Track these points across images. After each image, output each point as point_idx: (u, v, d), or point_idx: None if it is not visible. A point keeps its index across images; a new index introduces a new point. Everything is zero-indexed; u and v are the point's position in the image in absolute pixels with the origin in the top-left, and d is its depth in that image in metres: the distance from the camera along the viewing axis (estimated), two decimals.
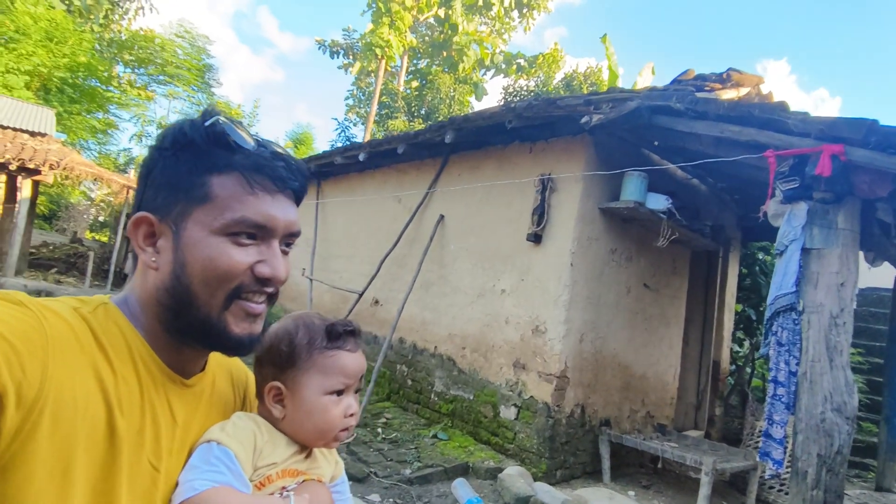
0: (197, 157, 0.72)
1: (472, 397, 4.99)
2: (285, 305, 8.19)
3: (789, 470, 3.42)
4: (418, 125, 17.98)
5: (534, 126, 4.71)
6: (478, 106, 20.01)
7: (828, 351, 3.07)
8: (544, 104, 4.34)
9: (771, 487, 4.56)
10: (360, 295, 6.25)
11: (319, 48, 20.67)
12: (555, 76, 19.59)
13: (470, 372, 5.08)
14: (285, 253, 0.77)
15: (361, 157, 6.52)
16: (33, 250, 13.26)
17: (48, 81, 16.61)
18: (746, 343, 6.68)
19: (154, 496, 0.68)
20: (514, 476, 3.96)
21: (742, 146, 3.47)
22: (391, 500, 3.67)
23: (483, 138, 5.29)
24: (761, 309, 6.57)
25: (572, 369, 4.46)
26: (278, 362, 0.85)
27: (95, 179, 12.24)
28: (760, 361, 6.29)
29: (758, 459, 3.62)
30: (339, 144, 19.77)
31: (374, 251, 6.45)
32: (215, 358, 0.85)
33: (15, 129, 11.26)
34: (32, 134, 11.44)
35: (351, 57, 20.66)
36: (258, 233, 0.72)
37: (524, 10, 21.21)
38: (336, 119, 29.23)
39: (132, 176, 16.34)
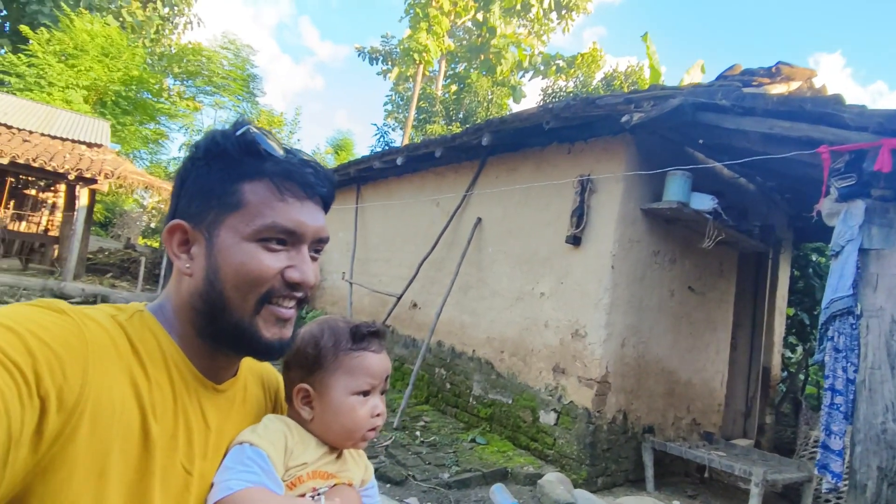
0: (229, 166, 0.74)
1: (510, 401, 4.95)
2: (326, 309, 8.34)
3: (847, 483, 3.24)
4: (456, 129, 18.03)
5: (572, 126, 4.64)
6: (516, 108, 19.91)
7: (889, 357, 2.89)
8: (583, 104, 4.27)
9: (827, 501, 4.33)
10: (399, 298, 6.29)
11: (359, 55, 21.05)
12: (594, 76, 19.30)
13: (508, 376, 5.03)
14: (314, 258, 0.79)
15: (399, 161, 6.58)
16: (90, 256, 13.98)
17: (104, 95, 17.50)
18: (799, 348, 6.38)
19: (187, 499, 0.69)
20: (554, 482, 3.89)
21: (793, 142, 3.32)
22: (429, 503, 3.66)
23: (520, 140, 5.25)
24: (815, 313, 6.27)
25: (614, 374, 4.35)
26: (305, 365, 0.87)
27: (147, 188, 12.81)
28: (815, 368, 6.00)
29: (815, 472, 3.44)
30: (378, 149, 20.05)
31: (412, 254, 6.49)
32: (247, 363, 0.87)
33: (74, 141, 11.92)
34: (89, 145, 12.09)
35: (389, 63, 20.94)
36: (288, 238, 0.74)
37: (563, 12, 21.00)
38: (375, 124, 29.66)
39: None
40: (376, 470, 3.91)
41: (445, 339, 5.85)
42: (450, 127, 18.79)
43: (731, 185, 5.12)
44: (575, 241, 4.58)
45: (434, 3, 18.46)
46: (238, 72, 22.79)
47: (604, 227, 4.43)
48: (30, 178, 13.60)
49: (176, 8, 22.61)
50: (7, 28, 18.19)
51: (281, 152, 0.76)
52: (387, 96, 23.33)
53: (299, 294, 0.76)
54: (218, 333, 0.74)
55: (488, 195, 5.64)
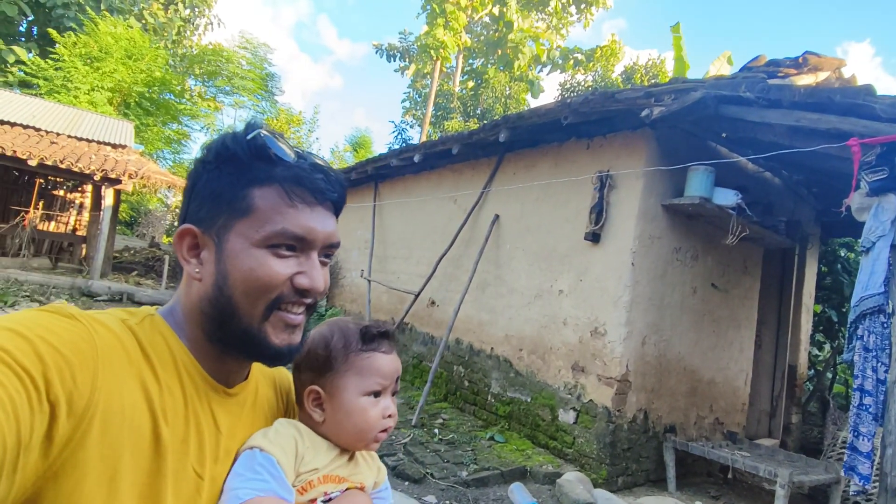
0: (239, 170, 0.73)
1: (529, 400, 4.91)
2: (345, 306, 8.39)
3: (877, 485, 3.14)
4: (473, 125, 17.97)
5: (591, 122, 4.57)
6: (534, 104, 19.76)
7: None
8: (602, 98, 4.20)
9: (856, 503, 4.21)
10: (417, 296, 6.30)
11: (377, 52, 21.08)
12: (613, 70, 19.04)
13: (527, 374, 5.00)
14: (324, 264, 0.78)
15: (416, 158, 6.57)
16: (116, 254, 14.29)
17: (127, 96, 17.84)
18: (827, 346, 6.21)
19: (198, 502, 0.69)
20: (573, 482, 3.85)
21: (821, 135, 3.22)
22: (447, 501, 3.66)
23: (538, 136, 5.20)
24: (844, 310, 6.09)
25: (634, 373, 4.29)
26: (316, 367, 0.87)
27: (170, 187, 13.03)
28: (843, 366, 5.84)
29: (842, 474, 3.34)
30: (396, 147, 20.10)
31: (430, 252, 6.48)
32: (259, 366, 0.86)
33: (99, 143, 12.19)
34: (114, 146, 12.34)
35: (407, 59, 20.93)
36: (298, 244, 0.73)
37: (582, 6, 20.75)
38: (393, 122, 29.75)
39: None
40: (394, 467, 3.92)
41: (464, 337, 5.84)
42: (467, 123, 18.73)
43: (755, 180, 5.00)
44: (594, 237, 4.52)
45: None
46: (256, 71, 23.04)
47: (624, 223, 4.36)
48: (58, 179, 13.95)
49: (197, 9, 22.92)
50: (35, 32, 18.65)
51: (292, 156, 0.75)
52: (404, 93, 23.36)
53: (308, 300, 0.75)
54: (227, 338, 0.74)
55: (506, 192, 5.60)
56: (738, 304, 5.16)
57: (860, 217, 3.17)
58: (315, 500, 0.79)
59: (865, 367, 3.01)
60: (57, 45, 16.06)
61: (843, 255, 6.33)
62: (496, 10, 19.68)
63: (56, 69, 15.94)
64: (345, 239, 8.84)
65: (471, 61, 22.66)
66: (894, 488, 2.79)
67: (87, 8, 16.93)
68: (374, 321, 0.93)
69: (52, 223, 14.56)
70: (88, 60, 16.37)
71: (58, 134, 11.63)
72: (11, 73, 16.29)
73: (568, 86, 18.67)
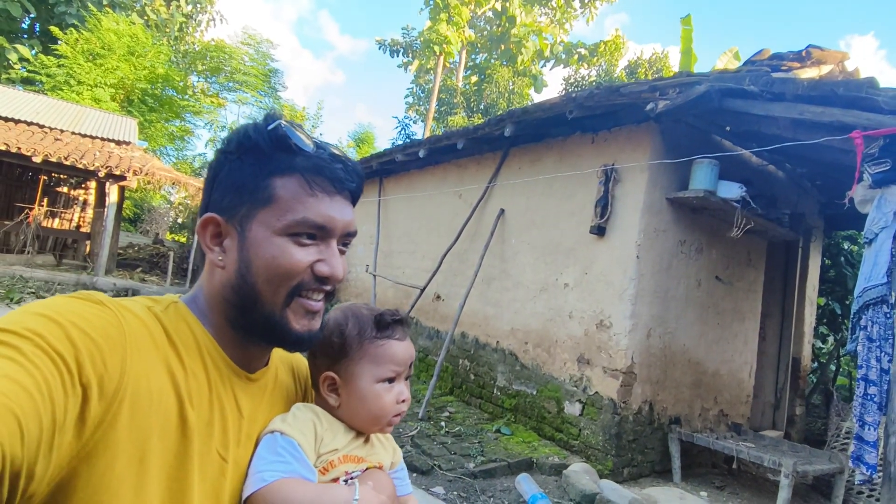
0: (260, 160, 0.75)
1: (535, 392, 4.96)
2: (350, 301, 8.43)
3: (880, 475, 3.18)
4: (478, 120, 17.95)
5: (595, 116, 4.60)
6: (537, 99, 19.73)
7: None
8: (606, 92, 4.23)
9: (860, 493, 4.25)
10: (422, 290, 6.34)
11: (379, 47, 21.05)
12: (617, 64, 18.99)
13: (533, 367, 5.04)
14: (342, 252, 0.80)
15: (421, 153, 6.60)
16: (120, 251, 14.36)
17: (131, 93, 17.86)
18: (830, 338, 6.23)
19: (223, 484, 0.71)
20: (580, 473, 3.90)
21: (824, 128, 3.24)
22: (455, 492, 3.71)
23: (543, 130, 5.22)
24: (847, 302, 6.11)
25: (639, 365, 4.33)
26: (331, 353, 0.88)
27: (174, 183, 13.09)
28: (846, 358, 5.86)
29: (849, 464, 3.38)
30: (400, 142, 20.09)
31: (435, 246, 6.52)
32: (277, 353, 0.89)
33: (103, 139, 12.23)
34: (118, 143, 12.38)
35: (410, 55, 20.90)
36: (318, 233, 0.75)
37: (586, 0, 20.67)
38: (396, 117, 29.70)
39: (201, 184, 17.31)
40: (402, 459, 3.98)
41: (469, 331, 5.88)
42: (471, 118, 18.72)
43: (759, 173, 5.02)
44: (599, 231, 4.55)
45: None
46: (259, 67, 23.03)
47: (629, 216, 4.39)
48: (62, 176, 14.00)
49: (199, 5, 22.90)
50: (37, 29, 18.67)
51: (311, 146, 0.77)
52: (408, 89, 23.34)
53: (328, 287, 0.78)
54: (250, 325, 0.76)
55: (511, 186, 5.63)
56: (743, 297, 5.19)
57: (863, 209, 3.19)
58: (337, 479, 0.81)
59: (869, 357, 3.04)
60: (60, 42, 16.09)
61: (846, 247, 6.35)
62: (499, 6, 19.63)
63: (59, 66, 15.97)
64: None
65: (474, 56, 22.62)
66: None
67: (90, 4, 16.92)
68: (387, 308, 0.94)
69: (57, 220, 14.62)
70: (91, 57, 16.39)
71: (62, 131, 11.67)
72: (14, 70, 16.32)
73: (572, 81, 18.64)
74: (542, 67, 20.76)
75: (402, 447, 4.17)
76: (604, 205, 4.52)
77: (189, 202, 18.43)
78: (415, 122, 22.50)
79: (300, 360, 0.99)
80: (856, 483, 3.79)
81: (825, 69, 4.36)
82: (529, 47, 19.21)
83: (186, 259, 13.84)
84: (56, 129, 11.62)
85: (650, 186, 4.33)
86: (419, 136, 20.17)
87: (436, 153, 6.61)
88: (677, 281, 4.59)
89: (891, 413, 2.93)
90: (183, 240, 19.81)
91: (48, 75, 15.92)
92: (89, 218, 14.17)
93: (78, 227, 14.89)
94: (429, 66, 21.06)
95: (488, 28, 21.29)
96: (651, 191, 4.34)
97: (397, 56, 21.20)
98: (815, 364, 6.07)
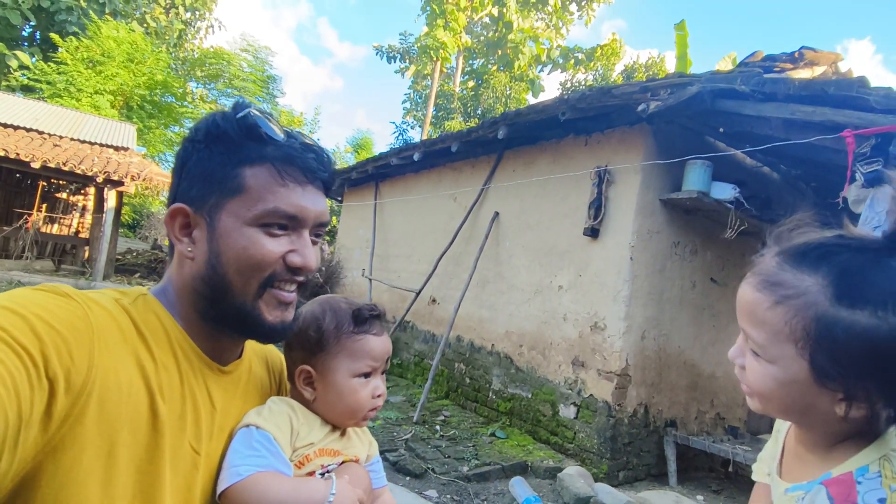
0: (230, 150, 0.74)
1: (530, 395, 4.93)
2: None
3: None
4: (474, 125, 18.01)
5: (588, 118, 4.59)
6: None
7: None
8: (598, 94, 4.22)
9: None
10: (418, 294, 6.32)
11: (377, 53, 21.13)
12: (614, 69, 19.06)
13: (528, 370, 5.02)
14: (315, 243, 0.79)
15: (416, 156, 6.60)
16: (119, 257, 14.35)
17: (130, 99, 17.95)
18: None
19: (195, 478, 0.70)
20: (574, 476, 3.87)
21: (816, 127, 3.23)
22: (448, 496, 3.68)
23: (537, 133, 5.22)
24: None
25: (634, 367, 4.30)
26: (307, 347, 0.87)
27: None
28: None
29: None
30: (395, 147, 20.14)
31: (430, 250, 6.51)
32: (251, 345, 0.88)
33: (101, 145, 12.26)
34: (116, 148, 12.41)
35: (407, 61, 20.98)
36: (289, 223, 0.74)
37: (583, 3, 20.76)
38: (394, 123, 29.77)
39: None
40: (395, 463, 3.94)
41: (464, 334, 5.86)
42: (468, 123, 18.77)
43: (753, 174, 5.01)
44: (593, 233, 4.53)
45: (450, 0, 18.44)
46: (257, 73, 23.13)
47: (622, 218, 4.38)
48: (60, 182, 14.02)
49: (197, 13, 23.03)
50: (37, 37, 18.76)
51: (282, 136, 0.75)
52: (405, 94, 23.40)
53: (300, 278, 0.77)
54: (221, 316, 0.75)
55: (505, 189, 5.63)
56: None
57: (856, 209, 3.18)
58: (313, 472, 0.81)
59: None
60: (60, 50, 16.17)
61: None
62: (495, 11, 19.72)
63: (59, 73, 16.04)
64: (346, 238, 8.87)
65: (471, 62, 22.70)
66: None
67: (91, 12, 17.02)
68: (365, 303, 0.93)
69: (55, 226, 14.62)
70: (91, 64, 16.47)
71: (61, 137, 11.71)
72: (14, 77, 16.39)
73: (568, 85, 18.73)
74: (539, 72, 20.84)
75: (395, 451, 4.16)
76: (597, 206, 4.51)
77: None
78: (412, 128, 22.58)
79: (274, 352, 0.98)
80: None
81: (818, 70, 4.35)
82: (526, 52, 19.28)
83: None
84: (55, 135, 11.65)
85: (643, 188, 4.32)
86: (415, 141, 20.24)
87: (431, 156, 6.61)
88: (671, 282, 4.57)
89: None
90: None
91: (48, 83, 16.00)
92: (88, 223, 14.17)
93: (77, 232, 14.89)
94: (426, 72, 21.14)
95: (485, 34, 21.38)
96: (644, 192, 4.33)
97: (395, 62, 21.28)
98: None
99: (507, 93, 19.15)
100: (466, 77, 22.56)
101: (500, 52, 20.23)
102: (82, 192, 14.93)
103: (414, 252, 7.02)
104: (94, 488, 0.58)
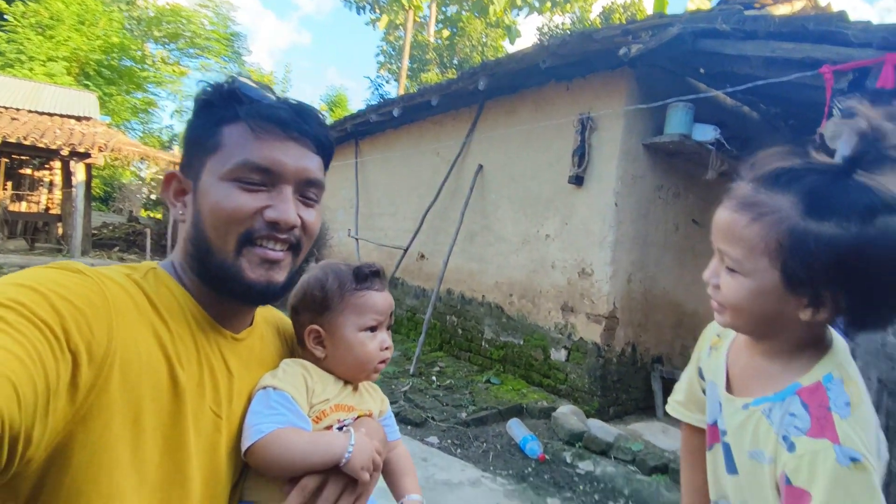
0: (211, 113, 0.76)
1: (521, 342, 5.09)
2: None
3: None
4: (451, 76, 17.60)
5: (569, 64, 4.54)
6: (512, 50, 19.34)
7: None
8: (579, 39, 4.17)
9: None
10: (406, 250, 6.36)
11: (345, 4, 20.28)
12: (591, 10, 18.64)
13: (518, 318, 5.15)
14: (308, 204, 0.79)
15: (396, 112, 6.49)
16: (95, 231, 14.03)
17: (85, 65, 17.10)
18: None
19: (218, 440, 0.73)
20: (568, 414, 4.06)
21: (796, 65, 3.26)
22: (449, 441, 3.84)
23: (517, 82, 5.16)
24: None
25: (621, 310, 4.45)
26: (314, 308, 0.92)
27: (143, 158, 12.72)
28: None
29: None
30: (374, 104, 19.67)
31: (416, 206, 6.50)
32: (262, 314, 0.90)
33: (62, 116, 11.76)
34: (78, 119, 11.92)
35: (378, 11, 20.20)
36: (265, 178, 0.73)
37: None
38: (368, 78, 28.93)
39: (176, 152, 16.87)
40: (396, 414, 4.08)
41: (455, 287, 5.95)
42: (445, 74, 18.36)
43: (733, 115, 5.05)
44: (577, 180, 4.58)
45: None
46: (220, 31, 22.11)
47: (606, 164, 4.42)
48: (23, 158, 13.50)
49: None
50: None
51: (262, 95, 0.76)
52: (378, 47, 22.72)
53: (283, 235, 0.75)
54: (206, 275, 0.76)
55: (488, 140, 5.60)
56: None
57: (833, 145, 3.24)
58: (330, 426, 0.85)
59: None
60: (6, 17, 15.20)
61: None
62: None
63: (8, 42, 15.14)
64: (329, 199, 8.78)
65: (444, 9, 21.95)
66: None
67: None
68: (364, 262, 0.98)
69: (24, 203, 14.18)
70: (41, 29, 15.56)
71: (17, 109, 11.20)
72: None
73: (545, 29, 18.30)
74: (515, 17, 20.28)
75: (394, 402, 4.29)
76: (581, 154, 4.54)
77: (161, 177, 17.95)
78: (388, 82, 22.03)
79: (285, 320, 1.01)
80: None
81: (798, 5, 4.35)
82: None
83: (165, 235, 13.58)
84: (11, 108, 11.14)
85: (626, 133, 4.35)
86: (394, 96, 19.76)
87: (411, 111, 6.50)
88: (655, 226, 4.68)
89: (857, 337, 3.08)
90: (159, 216, 19.38)
91: None
92: (58, 199, 13.77)
93: (47, 209, 14.47)
94: (398, 22, 20.42)
95: None
96: (627, 138, 4.36)
97: (365, 12, 20.48)
98: None
99: (484, 41, 18.67)
100: (441, 26, 21.87)
101: None
102: (47, 166, 14.42)
103: (399, 209, 7.00)
104: (124, 453, 0.60)
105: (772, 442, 0.75)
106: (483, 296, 5.59)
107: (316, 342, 0.92)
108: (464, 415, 4.21)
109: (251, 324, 0.86)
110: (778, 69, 3.42)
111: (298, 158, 0.75)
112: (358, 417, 0.90)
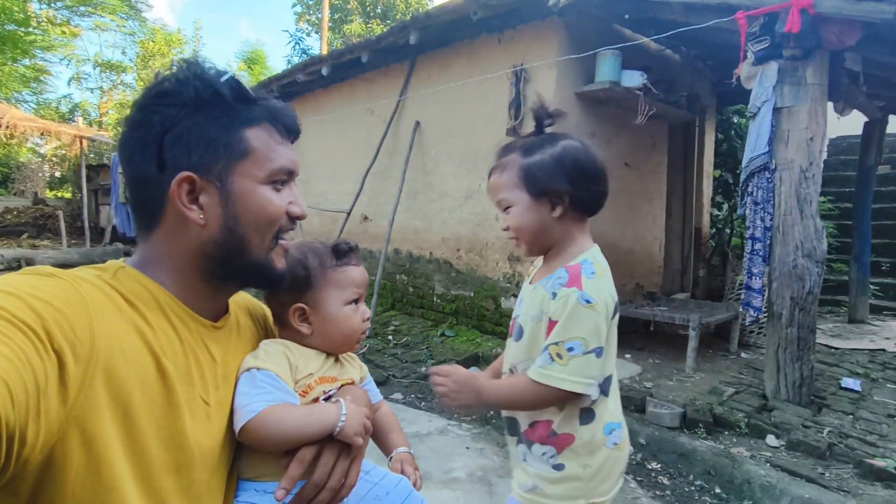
0: (227, 113, 0.77)
1: (472, 294, 5.26)
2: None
3: (766, 315, 3.77)
4: (376, 27, 16.95)
5: (500, 15, 4.54)
6: (440, 1, 18.75)
7: (798, 203, 3.27)
8: None
9: (751, 332, 5.01)
10: (349, 214, 6.30)
11: None
12: None
13: (467, 271, 5.30)
14: None
15: (324, 71, 6.27)
16: None
17: None
18: (725, 206, 6.94)
19: (210, 426, 0.77)
20: None
21: (713, 10, 3.43)
22: (412, 395, 4.00)
23: (449, 35, 5.10)
24: (738, 172, 6.76)
25: None
26: (297, 287, 0.96)
27: (42, 134, 11.62)
28: (739, 221, 6.60)
29: (740, 310, 3.96)
30: (296, 60, 18.70)
31: (354, 168, 6.41)
32: (232, 298, 0.94)
33: None
34: None
35: None
36: (287, 178, 0.84)
37: None
38: (287, 31, 27.29)
39: (80, 124, 15.47)
40: None
41: (402, 247, 6.01)
42: (369, 25, 17.63)
43: (658, 59, 5.25)
44: (515, 133, 4.66)
45: None
46: None
47: None
48: None
49: None
50: None
51: (271, 99, 0.84)
52: None
53: (295, 226, 0.86)
54: (232, 274, 0.81)
55: (423, 96, 5.55)
56: (650, 179, 5.61)
57: (748, 85, 3.50)
58: (317, 398, 0.91)
59: (755, 218, 3.49)
60: None
61: (735, 121, 6.90)
62: None
63: None
64: None
65: None
66: (779, 313, 3.38)
67: None
68: (339, 239, 1.04)
69: None
70: None
71: None
72: None
73: None
74: None
75: None
76: (517, 106, 4.61)
77: (65, 152, 16.46)
78: (308, 35, 20.90)
79: (253, 302, 1.05)
80: (746, 324, 4.45)
81: None
82: None
83: (79, 217, 12.54)
84: None
85: (559, 83, 4.44)
86: (316, 51, 18.84)
87: (340, 69, 6.30)
88: None
89: (773, 262, 3.43)
90: (68, 196, 17.87)
91: None
92: None
93: None
94: None
95: None
96: (560, 88, 4.46)
97: None
98: (714, 230, 6.80)
99: None
100: None
101: None
102: None
103: (337, 172, 6.88)
104: (118, 446, 0.62)
105: (546, 300, 1.15)
106: (431, 252, 5.68)
107: (301, 319, 0.96)
108: (424, 369, 4.37)
109: (227, 310, 0.90)
110: (697, 14, 3.58)
111: (295, 155, 0.86)
112: (342, 386, 0.96)
